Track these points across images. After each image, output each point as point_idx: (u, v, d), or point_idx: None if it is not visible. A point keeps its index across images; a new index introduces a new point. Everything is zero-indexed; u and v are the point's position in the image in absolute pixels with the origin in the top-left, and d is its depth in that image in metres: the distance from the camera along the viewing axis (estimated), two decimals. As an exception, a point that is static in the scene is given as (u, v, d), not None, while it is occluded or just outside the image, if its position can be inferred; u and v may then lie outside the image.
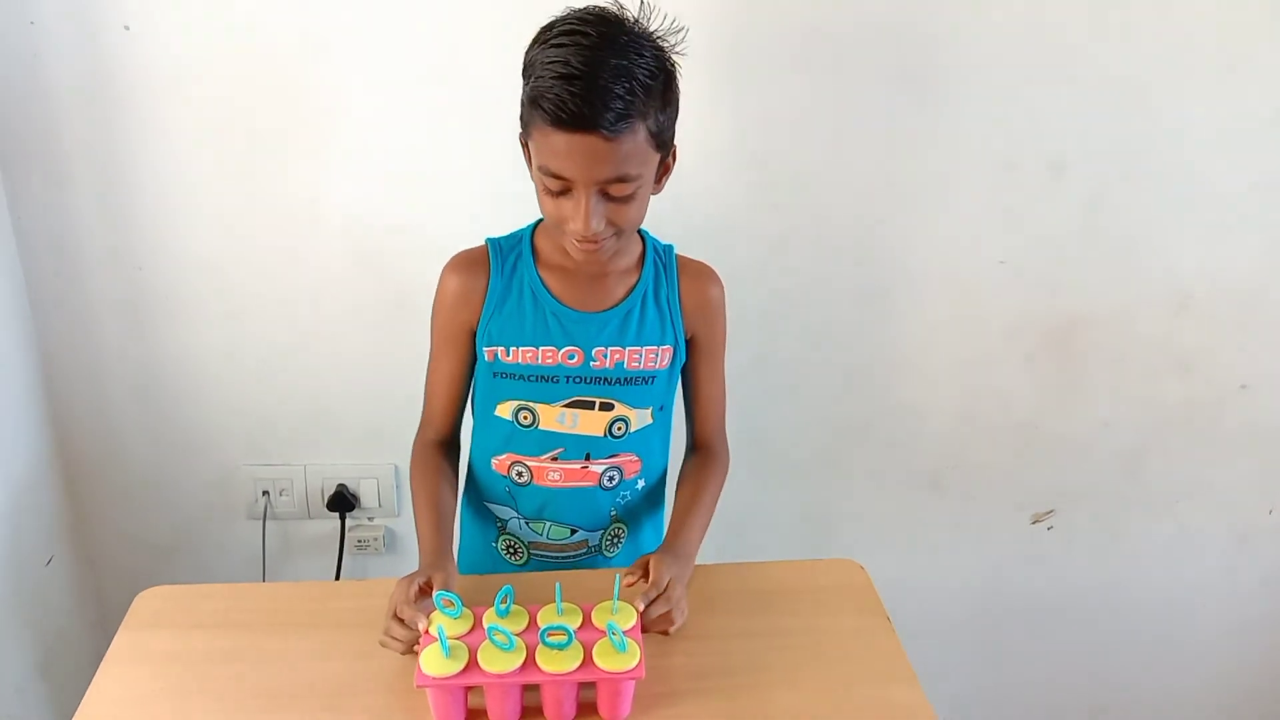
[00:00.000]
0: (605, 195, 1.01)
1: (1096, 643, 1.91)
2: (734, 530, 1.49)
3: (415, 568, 1.10)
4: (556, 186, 1.01)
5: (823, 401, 1.68)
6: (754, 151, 1.48)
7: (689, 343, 1.21)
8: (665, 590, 1.06)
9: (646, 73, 0.97)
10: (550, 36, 0.98)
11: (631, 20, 1.00)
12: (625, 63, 0.96)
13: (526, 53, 1.02)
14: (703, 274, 1.21)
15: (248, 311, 1.55)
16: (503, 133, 1.43)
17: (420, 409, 1.26)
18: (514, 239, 1.18)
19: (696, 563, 1.16)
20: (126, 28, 1.36)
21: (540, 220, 1.17)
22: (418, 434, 1.25)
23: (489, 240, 1.18)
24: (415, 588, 1.04)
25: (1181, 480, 1.77)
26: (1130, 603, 1.87)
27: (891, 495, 1.76)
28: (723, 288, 1.22)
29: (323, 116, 1.43)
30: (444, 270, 1.18)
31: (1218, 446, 1.74)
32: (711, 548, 1.37)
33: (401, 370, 1.56)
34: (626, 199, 1.02)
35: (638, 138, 0.98)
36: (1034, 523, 1.79)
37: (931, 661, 1.24)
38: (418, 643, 1.00)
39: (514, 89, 1.39)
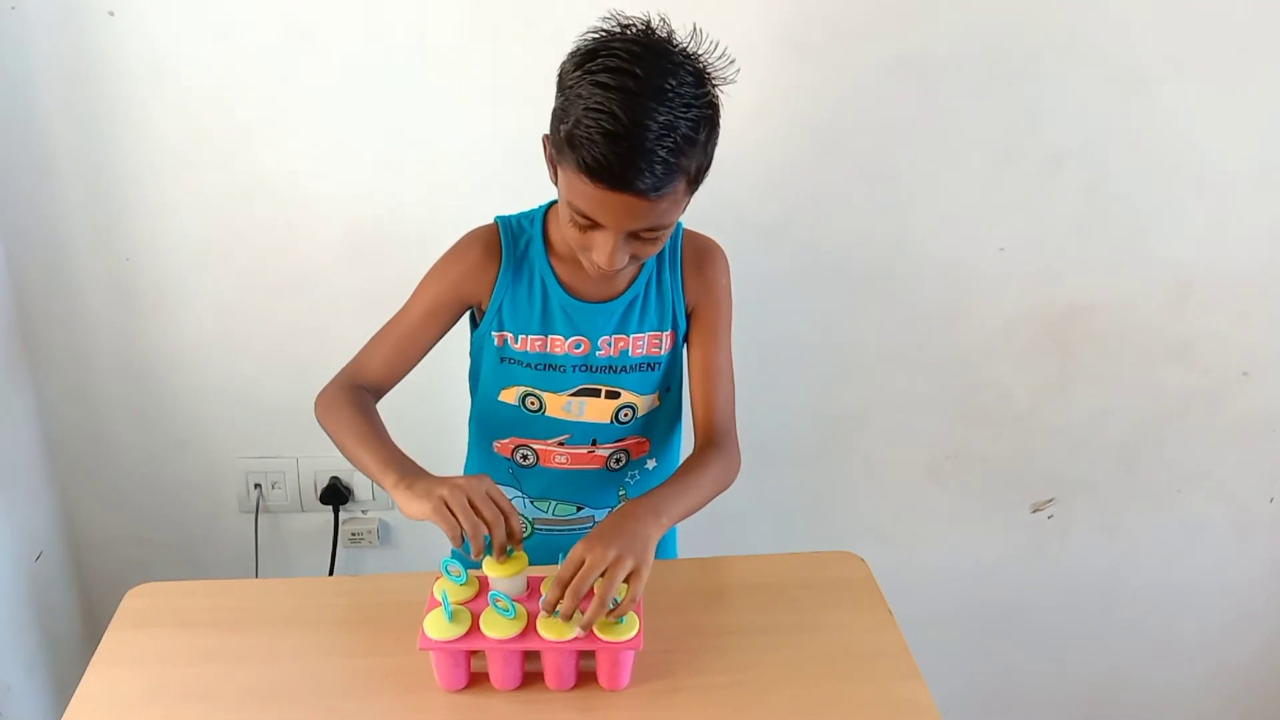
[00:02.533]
0: (633, 235, 0.99)
1: (1096, 632, 1.90)
2: (730, 523, 1.47)
3: (410, 560, 1.06)
4: (584, 223, 0.98)
5: (820, 392, 1.66)
6: (751, 139, 1.45)
7: (689, 317, 1.18)
8: (576, 578, 0.93)
9: (690, 124, 0.92)
10: (595, 69, 0.91)
11: (678, 51, 0.94)
12: (670, 117, 0.90)
13: (565, 69, 0.95)
14: (704, 249, 1.18)
15: (237, 302, 1.53)
16: (491, 119, 1.42)
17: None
18: (526, 221, 1.16)
19: (691, 556, 1.14)
20: (110, 13, 1.34)
21: (554, 202, 1.14)
22: (338, 378, 1.14)
23: (499, 221, 1.16)
24: (484, 489, 0.95)
25: (1181, 469, 1.76)
26: (1130, 592, 1.86)
27: (890, 486, 1.75)
28: (726, 263, 1.19)
29: (310, 104, 1.41)
30: (469, 238, 1.15)
31: (1218, 435, 1.73)
32: (707, 541, 1.36)
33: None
34: (654, 239, 1.01)
35: (676, 192, 0.96)
36: (1034, 512, 1.78)
37: (931, 652, 1.23)
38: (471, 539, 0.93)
39: (502, 76, 1.39)
